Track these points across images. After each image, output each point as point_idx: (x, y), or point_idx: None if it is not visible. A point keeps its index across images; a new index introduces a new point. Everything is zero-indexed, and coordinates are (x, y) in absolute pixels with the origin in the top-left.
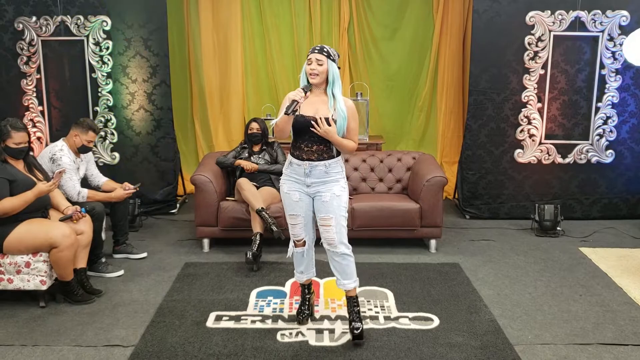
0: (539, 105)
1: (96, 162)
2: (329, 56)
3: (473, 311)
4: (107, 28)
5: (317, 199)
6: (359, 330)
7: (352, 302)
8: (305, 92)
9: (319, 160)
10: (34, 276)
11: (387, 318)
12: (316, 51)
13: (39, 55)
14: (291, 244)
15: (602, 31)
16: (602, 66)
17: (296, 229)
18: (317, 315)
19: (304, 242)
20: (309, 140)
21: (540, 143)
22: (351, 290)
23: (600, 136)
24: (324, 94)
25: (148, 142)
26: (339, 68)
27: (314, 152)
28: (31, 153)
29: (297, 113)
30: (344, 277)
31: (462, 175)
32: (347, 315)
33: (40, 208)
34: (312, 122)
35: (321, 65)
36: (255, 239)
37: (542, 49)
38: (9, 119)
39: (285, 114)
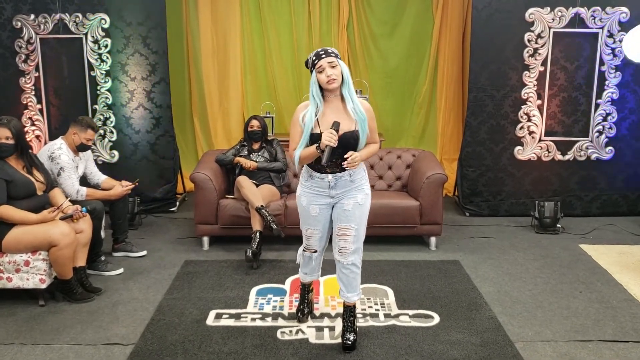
0: (539, 102)
1: (95, 160)
2: (337, 56)
3: (473, 308)
4: (106, 26)
5: (339, 207)
6: (350, 342)
7: (350, 312)
8: (337, 131)
9: (343, 170)
10: (33, 275)
11: (387, 315)
12: (323, 56)
13: (37, 53)
14: (301, 248)
15: (602, 28)
16: (601, 63)
17: (311, 240)
18: (317, 313)
19: (315, 250)
20: (333, 155)
21: (540, 140)
22: (351, 302)
23: (600, 133)
24: (339, 100)
25: (147, 140)
26: None
27: (337, 165)
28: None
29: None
30: (349, 289)
31: (462, 172)
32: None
33: (39, 209)
34: (344, 165)
35: (335, 67)
36: (254, 237)
37: (541, 46)
38: (2, 116)
39: (321, 158)
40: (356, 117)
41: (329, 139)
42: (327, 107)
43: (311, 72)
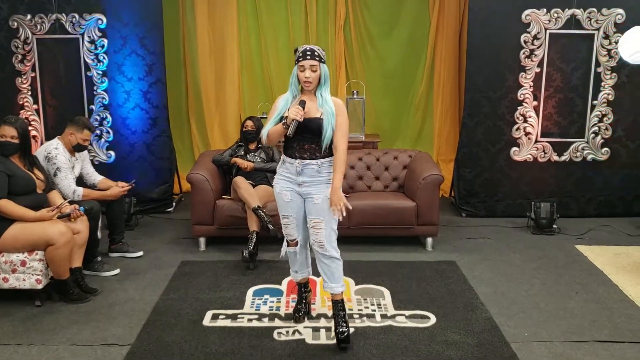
0: (535, 103)
1: (92, 160)
2: (320, 60)
3: (469, 309)
4: (103, 26)
5: (309, 201)
6: (344, 335)
7: (338, 306)
8: (303, 108)
9: (311, 159)
10: (29, 275)
11: (383, 316)
12: (308, 57)
13: (34, 54)
14: (284, 243)
15: (598, 29)
16: (597, 64)
17: (288, 229)
18: (313, 314)
19: (297, 242)
20: (300, 140)
21: (536, 141)
22: (337, 294)
23: (596, 134)
24: (313, 95)
25: (144, 140)
26: None
27: (306, 150)
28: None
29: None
30: (332, 280)
31: (459, 173)
32: (347, 312)
33: (37, 206)
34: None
35: (315, 71)
36: (251, 238)
37: (538, 47)
38: (10, 115)
39: (287, 132)
40: (323, 110)
41: (295, 112)
42: (303, 96)
43: (295, 63)
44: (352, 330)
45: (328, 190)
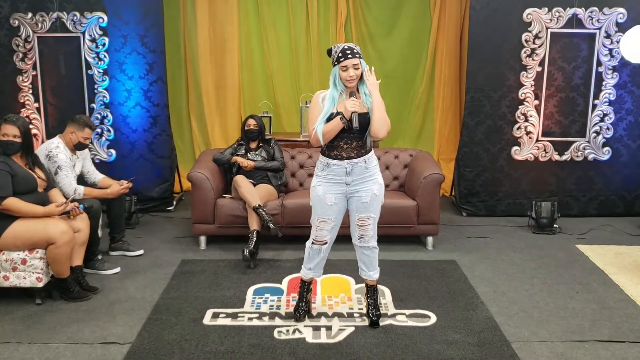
0: (536, 102)
1: (92, 159)
2: (360, 56)
3: (470, 308)
4: (104, 24)
5: (356, 199)
6: (379, 317)
7: (374, 290)
8: (356, 98)
9: (359, 156)
10: (30, 273)
11: (384, 315)
12: (349, 56)
13: (34, 52)
14: (309, 241)
15: (599, 28)
16: (599, 63)
17: (322, 231)
18: (314, 312)
19: (326, 242)
20: (347, 138)
21: (537, 140)
22: (374, 280)
23: (597, 133)
24: (356, 91)
25: (144, 139)
26: None
27: (354, 148)
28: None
29: (338, 115)
30: (370, 268)
31: (459, 172)
32: (347, 311)
33: (40, 204)
34: (366, 71)
35: (357, 69)
36: (252, 236)
37: (539, 46)
38: (11, 114)
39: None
40: (368, 105)
41: (353, 105)
42: (349, 91)
43: (333, 64)
44: (360, 324)
45: (375, 187)
